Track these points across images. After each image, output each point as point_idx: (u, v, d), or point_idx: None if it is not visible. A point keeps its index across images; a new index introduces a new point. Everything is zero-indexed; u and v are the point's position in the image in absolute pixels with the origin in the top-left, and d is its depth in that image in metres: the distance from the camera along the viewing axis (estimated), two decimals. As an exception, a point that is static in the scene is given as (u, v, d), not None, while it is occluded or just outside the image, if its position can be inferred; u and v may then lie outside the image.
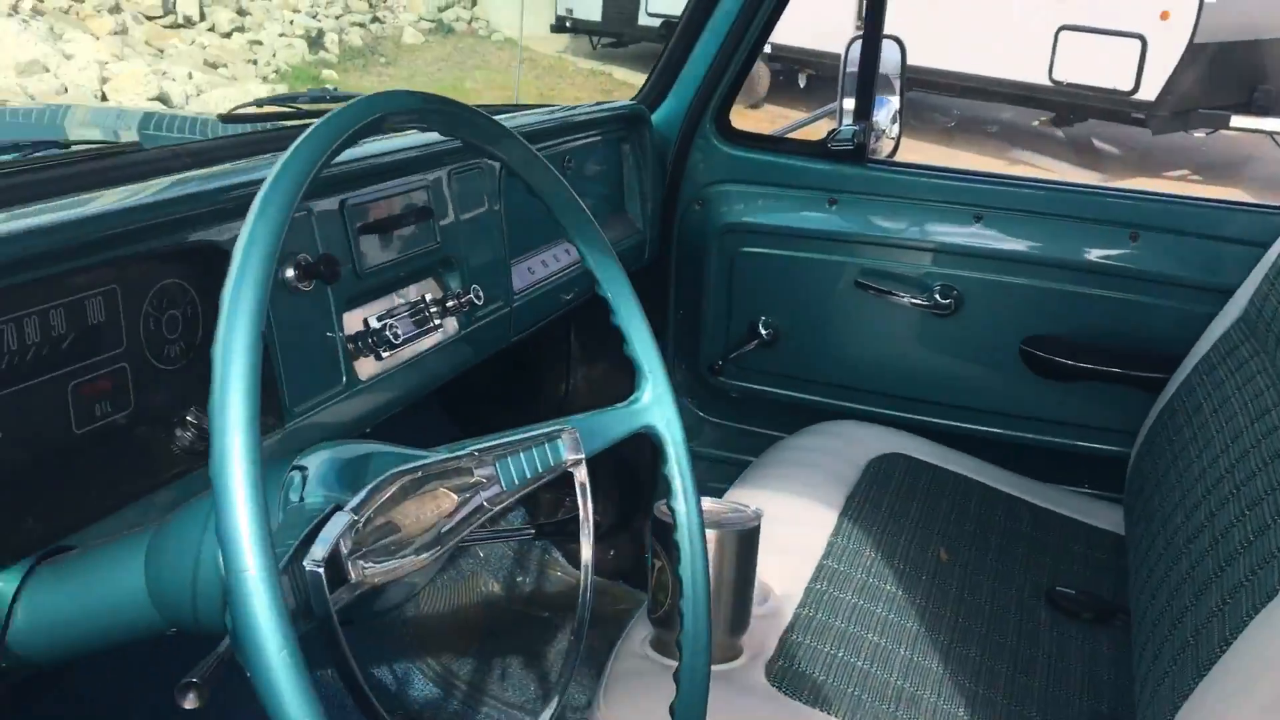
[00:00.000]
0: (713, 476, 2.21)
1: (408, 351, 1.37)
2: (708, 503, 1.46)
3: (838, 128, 2.15)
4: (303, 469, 0.80)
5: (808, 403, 2.26)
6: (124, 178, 1.16)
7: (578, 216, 1.01)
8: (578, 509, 1.07)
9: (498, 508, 0.89)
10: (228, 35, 11.50)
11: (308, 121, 1.45)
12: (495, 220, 1.58)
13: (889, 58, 2.23)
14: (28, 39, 7.52)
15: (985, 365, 2.12)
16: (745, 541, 1.40)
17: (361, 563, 0.74)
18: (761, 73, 10.58)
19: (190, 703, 0.63)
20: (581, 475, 0.95)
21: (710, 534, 1.37)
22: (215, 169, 1.20)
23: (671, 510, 1.38)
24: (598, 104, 2.04)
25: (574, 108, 1.95)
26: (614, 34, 12.00)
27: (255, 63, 11.10)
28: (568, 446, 0.95)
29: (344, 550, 0.73)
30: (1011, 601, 1.65)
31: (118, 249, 1.00)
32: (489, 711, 1.98)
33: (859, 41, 2.16)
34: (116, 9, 10.37)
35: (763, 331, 2.25)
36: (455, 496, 0.84)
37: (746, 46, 2.11)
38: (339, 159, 1.06)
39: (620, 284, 1.03)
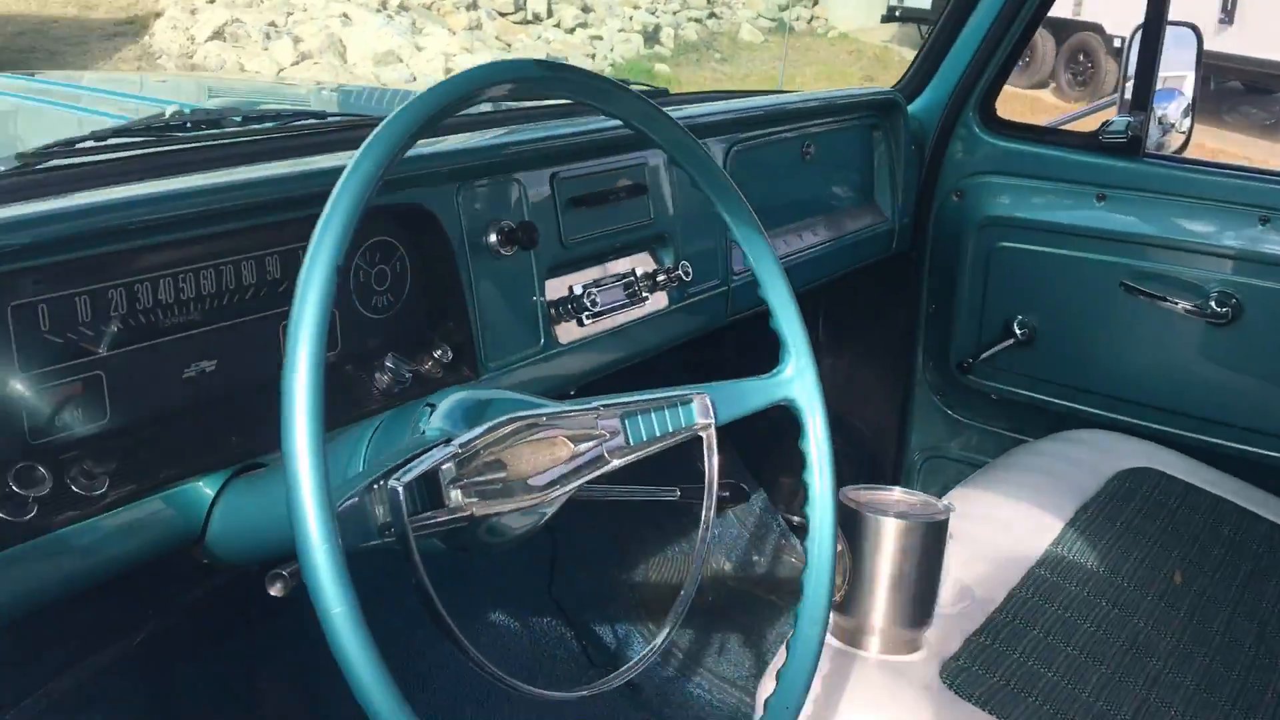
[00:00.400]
0: (956, 477, 2.15)
1: (612, 320, 1.44)
2: (899, 493, 1.45)
3: (1112, 119, 2.03)
4: (432, 405, 0.88)
5: (1061, 408, 2.15)
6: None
7: (721, 183, 1.03)
8: (738, 485, 1.10)
9: (619, 461, 0.93)
10: (571, 31, 12.13)
11: (554, 104, 1.55)
12: (717, 200, 1.61)
13: (1181, 46, 2.08)
14: (389, 32, 8.28)
15: (1262, 380, 1.94)
16: (930, 535, 1.37)
17: (461, 492, 0.80)
18: (1045, 50, 9.86)
19: (277, 590, 0.72)
20: (711, 441, 0.98)
21: (893, 524, 1.36)
22: (438, 139, 1.31)
23: (853, 497, 1.39)
24: (847, 90, 2.03)
25: (822, 93, 1.96)
26: (943, 22, 11.64)
27: (593, 57, 11.63)
28: (699, 411, 0.97)
29: (443, 478, 0.80)
30: (1249, 635, 1.51)
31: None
32: (701, 682, 2.03)
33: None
34: (473, 5, 11.18)
35: (1018, 331, 2.16)
36: (573, 445, 0.89)
37: (1015, 32, 2.03)
38: (555, 133, 1.13)
39: (767, 257, 1.04)
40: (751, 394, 1.02)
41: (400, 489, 0.76)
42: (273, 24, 8.27)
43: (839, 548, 1.41)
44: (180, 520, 0.99)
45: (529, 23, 11.72)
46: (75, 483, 0.92)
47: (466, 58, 8.64)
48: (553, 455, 0.88)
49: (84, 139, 1.16)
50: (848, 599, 1.38)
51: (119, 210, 0.96)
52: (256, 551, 1.01)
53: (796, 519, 2.51)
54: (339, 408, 1.15)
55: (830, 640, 1.41)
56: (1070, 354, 2.13)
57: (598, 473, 0.92)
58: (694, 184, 1.04)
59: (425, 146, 1.26)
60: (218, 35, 8.04)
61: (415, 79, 7.72)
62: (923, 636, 1.40)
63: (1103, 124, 2.03)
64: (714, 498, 0.98)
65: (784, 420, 2.45)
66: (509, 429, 0.86)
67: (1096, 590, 1.54)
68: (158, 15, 8.16)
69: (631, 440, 0.94)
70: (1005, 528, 1.65)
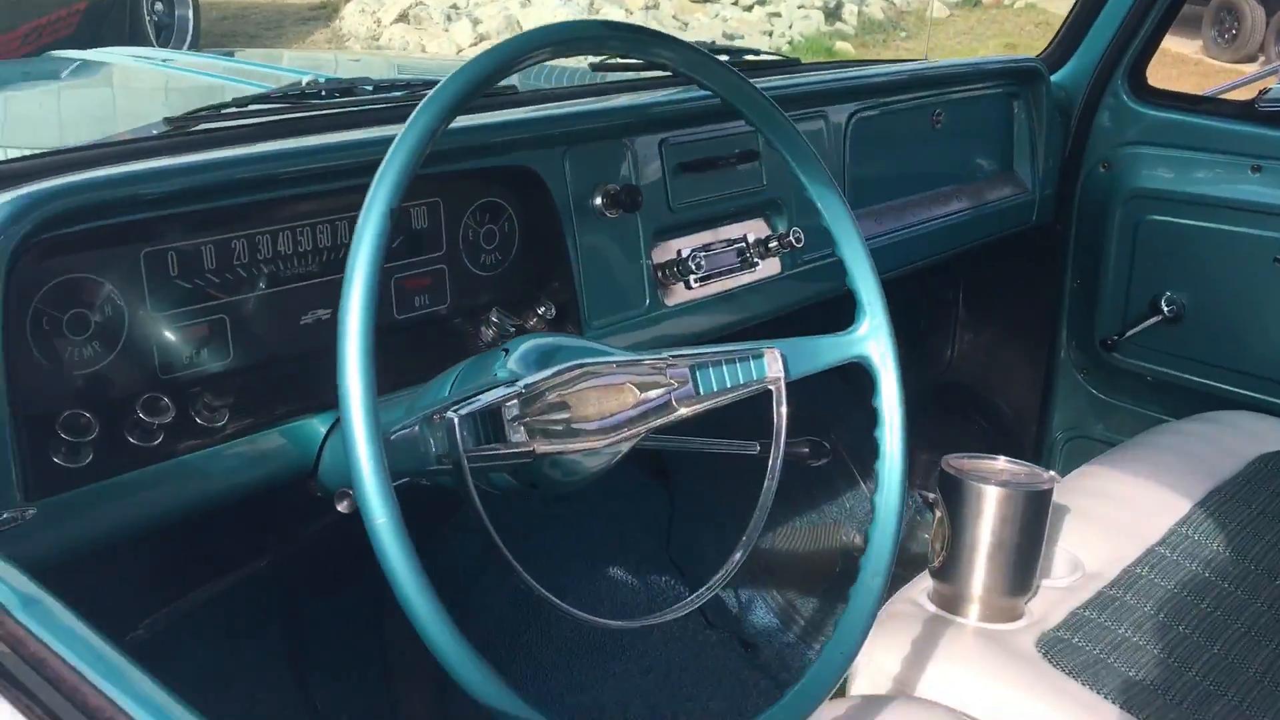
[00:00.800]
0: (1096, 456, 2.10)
1: (721, 285, 1.47)
2: (1004, 462, 1.44)
3: (1270, 86, 1.93)
4: (507, 350, 0.94)
5: (1208, 388, 2.07)
6: (494, 108, 1.35)
7: (794, 140, 1.04)
8: (819, 442, 1.12)
9: (687, 410, 0.97)
10: (749, 9, 12.05)
11: (658, 74, 1.59)
12: (834, 167, 1.62)
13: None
14: (565, 13, 8.45)
15: None
16: (1031, 504, 1.36)
17: (523, 429, 0.86)
18: (1254, 19, 9.15)
19: (344, 507, 0.79)
20: (781, 394, 1.00)
21: (993, 491, 1.36)
22: (546, 105, 1.37)
23: (955, 466, 1.39)
24: (983, 59, 2.00)
25: (953, 62, 1.93)
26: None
27: (770, 34, 11.54)
28: (770, 365, 1.00)
29: (506, 414, 0.85)
30: (1382, 629, 1.44)
31: (440, 165, 1.19)
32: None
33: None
34: (654, -15, 11.25)
35: (1165, 308, 2.09)
36: (639, 393, 0.94)
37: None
38: (661, 99, 1.16)
39: (842, 216, 1.06)
40: (825, 350, 1.04)
41: (456, 420, 0.82)
42: (454, 6, 8.55)
43: (938, 514, 1.42)
44: (295, 453, 1.08)
45: (706, 0, 11.71)
46: (199, 414, 1.02)
47: (641, 36, 8.73)
48: (619, 401, 0.93)
49: (227, 104, 1.27)
50: (946, 566, 1.39)
51: (247, 165, 1.06)
52: None
53: (931, 495, 2.49)
54: (445, 358, 1.22)
55: (928, 606, 1.42)
56: (1219, 332, 2.04)
57: (665, 419, 0.96)
58: (760, 134, 1.06)
59: (533, 111, 1.32)
60: (402, 18, 8.38)
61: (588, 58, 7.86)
62: (1023, 605, 1.39)
63: (1260, 92, 1.94)
64: (781, 448, 1.00)
65: (926, 403, 2.43)
66: (575, 373, 0.91)
67: (1219, 572, 1.49)
68: (347, 0, 8.58)
69: (701, 390, 0.98)
70: (1129, 505, 1.62)
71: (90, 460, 0.95)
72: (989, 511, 1.35)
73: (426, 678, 1.58)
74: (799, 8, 12.35)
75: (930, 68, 1.87)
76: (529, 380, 0.88)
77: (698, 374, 0.98)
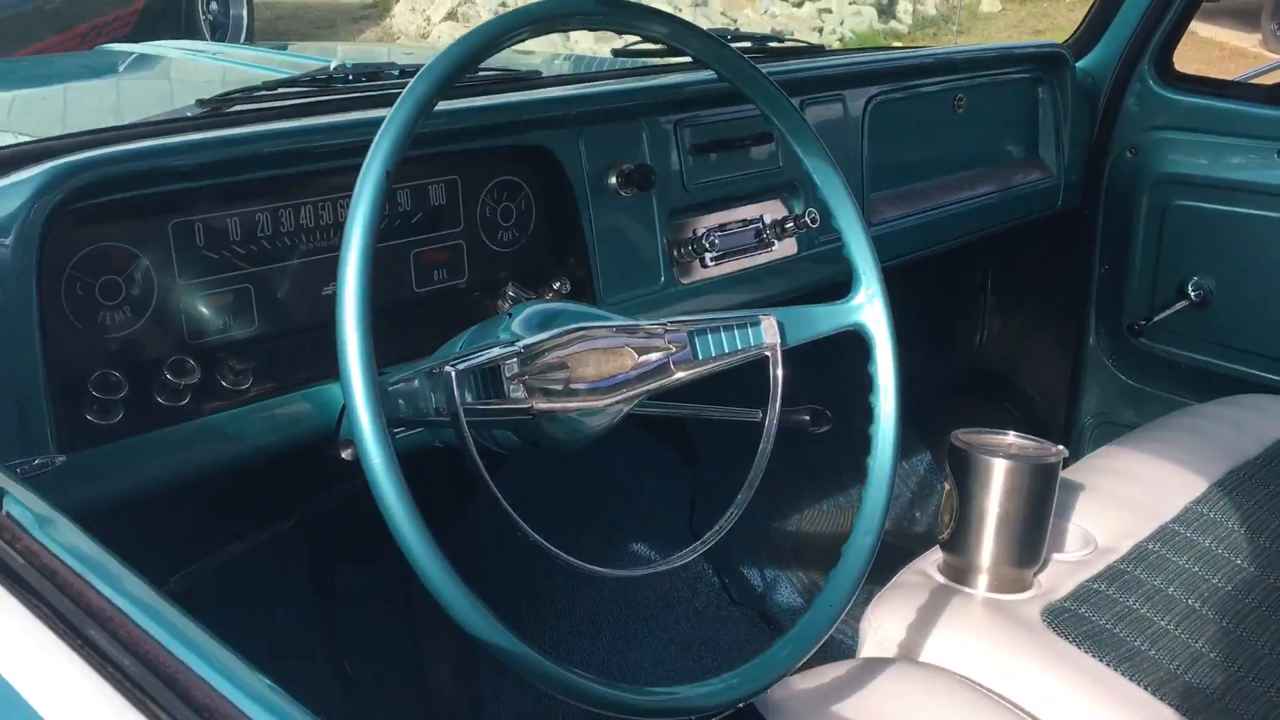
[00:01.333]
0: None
1: (736, 264, 1.51)
2: (1013, 437, 1.46)
3: (1297, 69, 1.93)
4: (511, 315, 0.98)
5: (1236, 373, 2.06)
6: (513, 90, 1.39)
7: (788, 113, 1.08)
8: (820, 409, 1.16)
9: (684, 374, 1.01)
10: (799, 4, 12.02)
11: (680, 60, 1.63)
12: (852, 149, 1.65)
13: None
14: (612, 10, 8.50)
15: None
16: (1038, 477, 1.38)
17: (522, 387, 0.91)
18: None
19: (348, 455, 0.84)
20: (777, 359, 1.04)
21: (1000, 464, 1.38)
22: (579, 85, 1.41)
23: (964, 439, 1.41)
24: (1006, 45, 2.01)
25: (977, 47, 1.95)
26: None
27: (820, 31, 11.51)
28: (767, 331, 1.04)
29: (505, 373, 0.90)
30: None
31: (459, 143, 1.24)
32: (842, 629, 2.08)
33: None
34: (701, -19, 11.27)
35: (1192, 293, 2.09)
36: (637, 356, 0.98)
37: (1193, -18, 1.96)
38: (675, 81, 1.19)
39: (837, 186, 1.09)
40: (821, 319, 1.08)
41: (454, 374, 0.86)
42: (503, 4, 8.66)
43: (946, 487, 1.44)
44: (317, 417, 1.13)
45: (755, -3, 11.70)
46: (224, 378, 1.08)
47: (688, 33, 8.78)
48: (618, 363, 0.97)
49: (258, 87, 1.33)
50: (955, 537, 1.41)
51: (271, 140, 1.11)
52: None
53: (947, 486, 2.52)
54: (461, 329, 1.27)
55: (936, 576, 1.44)
56: (1247, 317, 2.04)
57: (662, 382, 1.00)
58: (757, 108, 1.09)
59: (549, 91, 1.37)
60: (451, 16, 8.49)
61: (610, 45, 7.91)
62: (1031, 577, 1.41)
63: (1287, 74, 1.94)
64: (777, 411, 1.04)
65: (955, 389, 2.44)
66: (574, 335, 0.95)
67: (1231, 548, 1.50)
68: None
69: (699, 355, 1.01)
70: (1145, 483, 1.63)
71: (121, 417, 1.01)
72: (996, 484, 1.37)
73: (454, 643, 1.64)
74: (850, 3, 12.29)
75: (952, 52, 1.89)
76: (528, 341, 0.93)
77: (695, 339, 1.02)
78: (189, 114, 1.28)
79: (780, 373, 1.04)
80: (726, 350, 1.03)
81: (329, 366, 1.16)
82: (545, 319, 0.97)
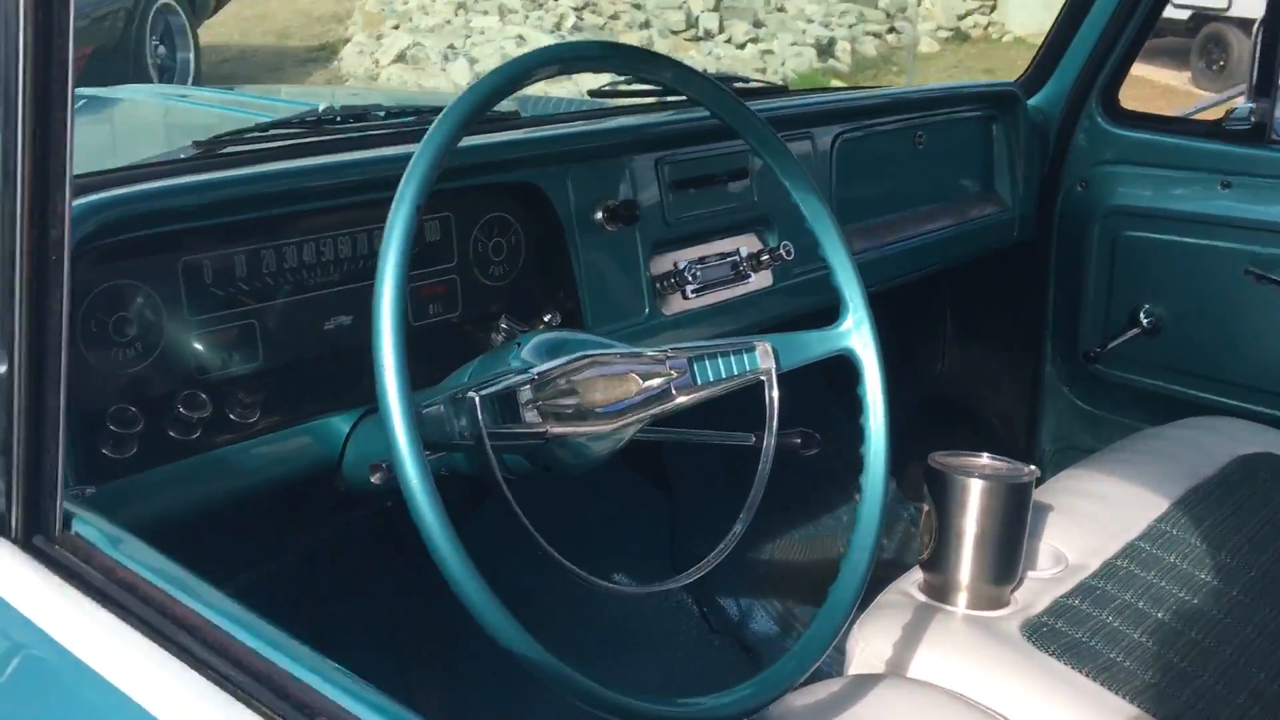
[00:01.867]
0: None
1: (716, 296, 1.55)
2: (987, 458, 1.51)
3: (1236, 106, 2.03)
4: (520, 344, 1.02)
5: (1189, 397, 2.15)
6: (494, 130, 1.43)
7: (777, 149, 1.13)
8: (810, 433, 1.20)
9: (686, 398, 1.05)
10: (741, 46, 12.23)
11: (666, 100, 1.68)
12: (822, 185, 1.71)
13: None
14: (560, 52, 8.61)
15: (1394, 367, 1.91)
16: (1013, 496, 1.43)
17: (536, 412, 0.94)
18: (1242, 47, 9.41)
19: (377, 479, 0.87)
20: (772, 383, 1.08)
21: (976, 484, 1.43)
22: (557, 125, 1.46)
23: (942, 461, 1.46)
24: (962, 84, 2.09)
25: (935, 87, 2.03)
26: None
27: (763, 71, 11.70)
28: (762, 357, 1.08)
29: (520, 399, 0.93)
30: (1351, 613, 1.51)
31: (451, 181, 1.27)
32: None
33: None
34: (646, 25, 11.45)
35: (1144, 320, 2.17)
36: (642, 381, 1.02)
37: (1136, 23, 2.06)
38: (656, 120, 1.25)
39: (824, 218, 1.14)
40: (812, 344, 1.12)
41: (477, 399, 0.90)
42: (451, 47, 8.72)
43: (925, 508, 1.49)
44: (320, 449, 1.16)
45: (700, 39, 11.90)
46: (233, 411, 1.10)
47: (637, 75, 8.93)
48: (624, 388, 1.01)
49: (250, 129, 1.36)
50: (934, 556, 1.46)
51: (274, 180, 1.14)
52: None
53: (926, 507, 2.56)
54: (459, 362, 1.30)
55: (917, 595, 1.49)
56: (1198, 342, 2.12)
57: (665, 406, 1.04)
58: (747, 145, 1.14)
59: (537, 131, 1.41)
60: (400, 58, 8.54)
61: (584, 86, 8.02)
62: (1009, 594, 1.46)
63: (1227, 111, 2.04)
64: (773, 434, 1.08)
65: (917, 417, 2.49)
66: (583, 362, 0.99)
67: (1196, 563, 1.56)
68: (346, 41, 8.74)
69: (698, 380, 1.05)
70: (1111, 503, 1.69)
71: (134, 452, 1.02)
72: (973, 503, 1.42)
73: (441, 674, 1.65)
74: (791, 45, 12.52)
75: (912, 92, 1.97)
76: (542, 367, 0.96)
77: (694, 365, 1.06)
78: (183, 155, 1.31)
79: (776, 395, 1.08)
80: (724, 375, 1.07)
81: (331, 399, 1.19)
82: (553, 347, 1.01)
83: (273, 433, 1.13)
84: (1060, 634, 1.39)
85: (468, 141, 1.32)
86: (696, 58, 11.45)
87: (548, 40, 8.78)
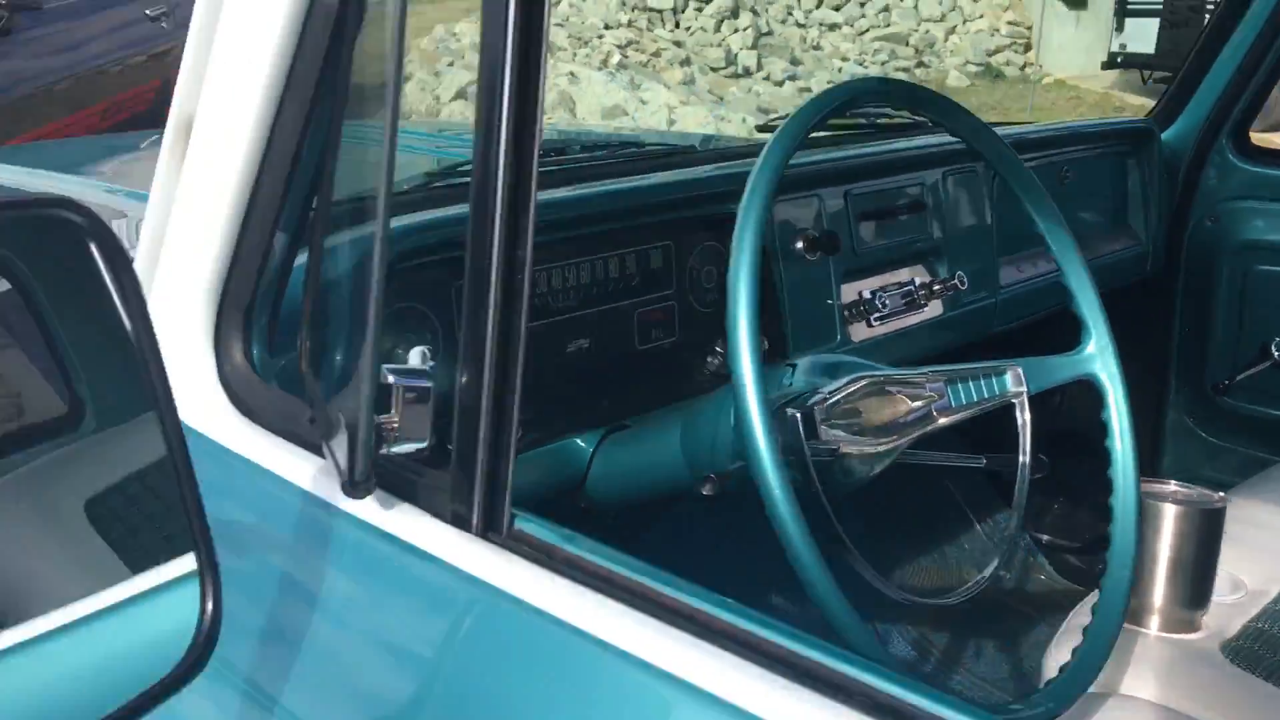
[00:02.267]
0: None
1: (897, 324, 1.59)
2: (1174, 485, 1.54)
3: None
4: (793, 365, 1.06)
5: (1320, 428, 2.17)
6: (680, 165, 1.49)
7: (1029, 182, 1.17)
8: (1040, 457, 1.23)
9: (945, 420, 1.08)
10: (780, 84, 12.36)
11: (835, 133, 1.73)
12: (986, 219, 1.75)
13: None
14: (613, 88, 8.72)
15: None
16: (1207, 521, 1.45)
17: (830, 429, 0.98)
18: None
19: (707, 490, 0.91)
20: (1024, 409, 1.11)
21: (1171, 509, 1.45)
22: (741, 160, 1.50)
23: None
24: (1103, 120, 2.13)
25: (1078, 123, 2.07)
26: (1168, 67, 11.36)
27: (801, 108, 11.80)
28: (1012, 380, 1.11)
29: (818, 416, 0.97)
30: None
31: (677, 212, 1.32)
32: (961, 679, 2.13)
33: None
34: (686, 62, 11.59)
35: (1276, 352, 2.20)
36: (910, 402, 1.05)
37: (1270, 62, 2.10)
38: (844, 155, 1.31)
39: (1068, 249, 1.18)
40: (1058, 368, 1.16)
41: (799, 415, 0.94)
42: (507, 86, 8.85)
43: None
44: (567, 468, 1.20)
45: (739, 76, 12.03)
46: None
47: (685, 109, 9.01)
48: (895, 409, 1.04)
49: (464, 163, 1.41)
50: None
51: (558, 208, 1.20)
52: (629, 496, 1.21)
53: (1045, 537, 2.56)
54: (679, 383, 1.34)
55: (1114, 618, 1.51)
56: None
57: (927, 429, 1.07)
58: (1004, 181, 1.19)
59: (740, 166, 1.46)
60: (460, 95, 8.68)
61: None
62: (1201, 618, 1.48)
63: (1362, 146, 2.07)
64: (1029, 458, 1.12)
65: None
66: (863, 383, 1.03)
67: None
68: (407, 79, 8.92)
69: (954, 403, 1.09)
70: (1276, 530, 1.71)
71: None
72: (1167, 528, 1.45)
73: None
74: (827, 83, 12.62)
75: (1058, 128, 2.01)
76: (832, 387, 1.00)
77: (949, 388, 1.09)
78: (411, 186, 1.35)
79: (1028, 418, 1.11)
80: (976, 399, 1.10)
81: (573, 419, 1.23)
82: (829, 368, 1.05)
83: (528, 450, 1.16)
84: (1262, 656, 1.40)
85: (679, 176, 1.38)
86: (737, 93, 11.56)
87: (598, 76, 8.91)
